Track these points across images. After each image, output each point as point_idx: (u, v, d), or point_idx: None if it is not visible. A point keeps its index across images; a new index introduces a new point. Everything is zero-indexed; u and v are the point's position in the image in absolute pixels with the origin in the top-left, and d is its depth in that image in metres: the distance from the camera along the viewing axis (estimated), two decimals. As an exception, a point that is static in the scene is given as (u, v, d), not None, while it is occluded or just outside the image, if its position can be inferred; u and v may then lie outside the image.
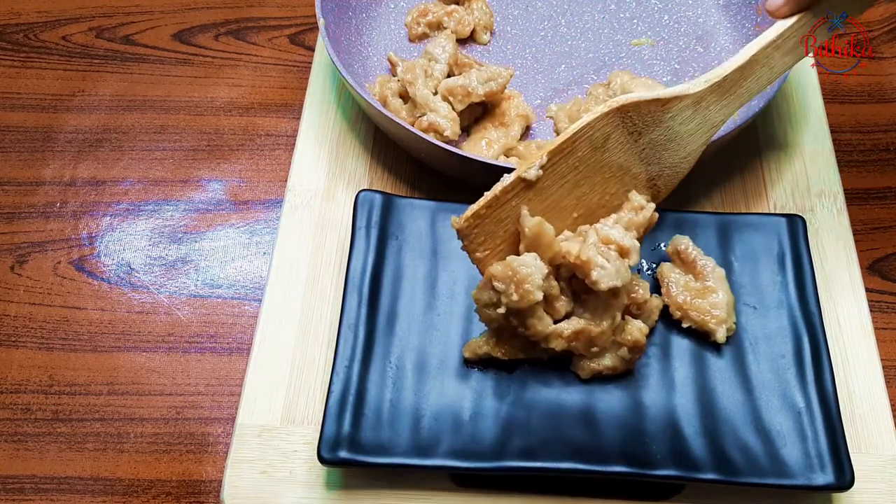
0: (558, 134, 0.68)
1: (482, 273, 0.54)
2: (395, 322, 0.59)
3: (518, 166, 0.54)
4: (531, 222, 0.53)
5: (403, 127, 0.64)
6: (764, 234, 0.63)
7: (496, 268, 0.53)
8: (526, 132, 0.72)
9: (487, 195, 0.52)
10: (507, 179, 0.52)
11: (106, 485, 0.63)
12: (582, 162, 0.54)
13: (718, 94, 0.56)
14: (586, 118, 0.53)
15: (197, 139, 0.83)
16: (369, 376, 0.56)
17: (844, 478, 0.52)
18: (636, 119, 0.54)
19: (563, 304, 0.55)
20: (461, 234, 0.53)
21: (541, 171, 0.53)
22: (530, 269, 0.52)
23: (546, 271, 0.52)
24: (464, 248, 0.53)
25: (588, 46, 0.78)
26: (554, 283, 0.54)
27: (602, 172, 0.55)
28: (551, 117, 0.73)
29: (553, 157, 0.53)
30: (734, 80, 0.55)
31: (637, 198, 0.56)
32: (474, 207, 0.52)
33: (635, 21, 0.80)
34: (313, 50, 0.81)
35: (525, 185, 0.53)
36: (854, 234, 0.67)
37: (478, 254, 0.54)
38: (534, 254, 0.53)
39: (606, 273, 0.52)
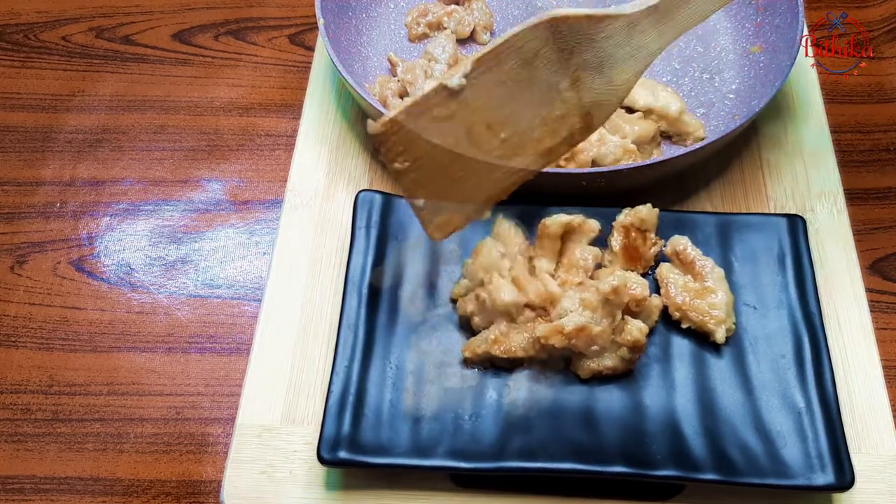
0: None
1: (403, 189, 0.53)
2: (395, 322, 0.59)
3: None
4: (501, 225, 0.60)
5: (403, 127, 0.64)
6: (764, 234, 0.63)
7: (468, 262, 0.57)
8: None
9: (407, 101, 0.50)
10: (428, 86, 0.50)
11: (106, 485, 0.63)
12: (510, 77, 0.52)
13: (654, 19, 0.54)
14: (515, 29, 0.51)
15: (196, 139, 0.83)
16: (369, 376, 0.56)
17: (844, 478, 0.52)
18: (567, 35, 0.52)
19: (533, 285, 0.56)
20: (377, 139, 0.50)
21: (464, 80, 0.50)
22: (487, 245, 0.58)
23: (503, 254, 0.58)
24: (381, 157, 0.51)
25: (588, 46, 0.78)
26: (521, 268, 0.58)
27: (532, 90, 0.53)
28: None
29: (478, 66, 0.50)
30: (670, 4, 0.54)
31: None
32: (392, 112, 0.50)
33: (635, 21, 0.80)
34: (313, 50, 0.81)
35: (448, 93, 0.50)
36: (854, 234, 0.67)
37: (396, 164, 0.51)
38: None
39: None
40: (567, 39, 0.52)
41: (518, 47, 0.51)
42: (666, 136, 0.71)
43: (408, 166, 0.52)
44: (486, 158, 0.54)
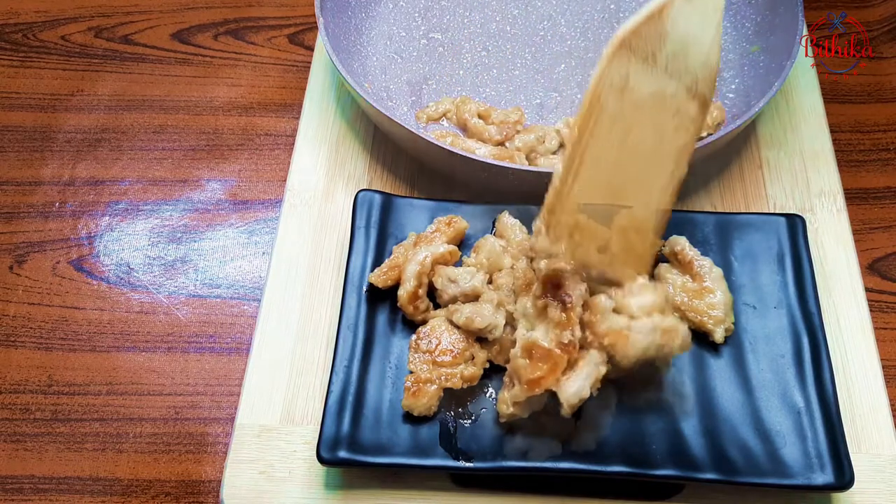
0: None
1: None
2: (395, 322, 0.59)
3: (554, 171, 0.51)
4: (503, 220, 0.61)
5: (403, 127, 0.64)
6: (763, 233, 0.63)
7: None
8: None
9: (548, 198, 0.50)
10: (555, 181, 0.50)
11: (105, 485, 0.63)
12: (617, 113, 0.51)
13: None
14: (596, 71, 0.50)
15: (196, 139, 0.83)
16: (369, 376, 0.56)
17: (844, 478, 0.52)
18: (643, 45, 0.51)
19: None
20: (544, 231, 0.50)
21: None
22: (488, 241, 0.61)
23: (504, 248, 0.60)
24: (552, 250, 0.50)
25: (588, 46, 0.78)
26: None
27: (641, 111, 0.52)
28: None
29: (583, 128, 0.50)
30: None
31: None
32: (544, 213, 0.50)
33: (635, 21, 0.80)
34: (312, 49, 0.81)
35: (574, 169, 0.50)
36: (854, 234, 0.67)
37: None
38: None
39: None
40: (644, 48, 0.51)
41: (608, 85, 0.50)
42: None
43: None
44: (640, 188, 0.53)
